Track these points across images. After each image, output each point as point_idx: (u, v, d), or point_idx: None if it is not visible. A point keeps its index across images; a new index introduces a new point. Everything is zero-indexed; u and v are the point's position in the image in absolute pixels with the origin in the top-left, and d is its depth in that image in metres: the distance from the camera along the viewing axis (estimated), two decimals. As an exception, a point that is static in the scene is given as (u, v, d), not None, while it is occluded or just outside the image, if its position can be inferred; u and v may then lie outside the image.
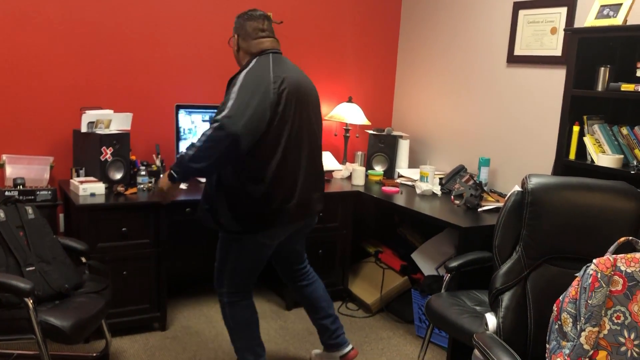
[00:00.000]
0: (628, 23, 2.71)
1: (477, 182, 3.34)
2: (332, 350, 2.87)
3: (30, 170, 3.17)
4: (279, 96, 2.36)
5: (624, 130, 2.76)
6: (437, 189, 3.56)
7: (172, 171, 2.42)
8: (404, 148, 4.04)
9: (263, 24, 2.53)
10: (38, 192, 3.02)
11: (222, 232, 2.54)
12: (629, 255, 1.76)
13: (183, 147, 3.49)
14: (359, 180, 3.72)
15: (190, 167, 2.35)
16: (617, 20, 2.70)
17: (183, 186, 3.33)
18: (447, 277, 2.71)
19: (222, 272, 2.58)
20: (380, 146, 3.99)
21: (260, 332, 2.66)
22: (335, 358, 2.87)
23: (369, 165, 4.00)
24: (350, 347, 2.87)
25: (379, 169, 3.99)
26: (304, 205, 2.52)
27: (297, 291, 2.87)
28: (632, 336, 1.72)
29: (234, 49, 2.59)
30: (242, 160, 2.35)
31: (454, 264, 2.65)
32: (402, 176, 3.95)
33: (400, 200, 3.38)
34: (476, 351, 1.92)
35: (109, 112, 3.26)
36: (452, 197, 3.35)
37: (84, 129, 3.15)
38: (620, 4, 2.72)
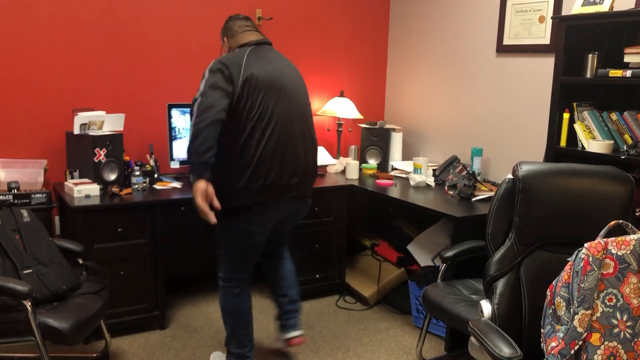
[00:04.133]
0: (614, 9, 2.73)
1: (470, 172, 3.36)
2: (280, 330, 2.91)
3: (24, 173, 3.17)
4: (243, 82, 2.41)
5: (614, 116, 2.78)
6: (430, 180, 3.58)
7: None
8: (397, 141, 4.06)
9: (247, 21, 2.67)
10: (33, 196, 3.02)
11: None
12: (619, 239, 1.79)
13: (177, 146, 3.50)
14: (353, 174, 3.74)
15: None
16: (604, 7, 2.72)
17: (178, 185, 3.34)
18: (443, 267, 2.73)
19: None
20: (373, 139, 4.00)
21: (251, 325, 2.71)
22: (280, 341, 2.92)
23: (362, 159, 4.01)
24: (296, 333, 2.86)
25: (372, 162, 4.00)
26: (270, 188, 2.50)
27: (263, 266, 2.92)
28: (625, 318, 1.74)
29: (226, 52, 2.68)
30: None
31: (449, 253, 2.67)
32: (395, 169, 3.97)
33: (394, 192, 3.40)
34: (472, 338, 1.94)
35: (101, 113, 3.26)
36: (446, 187, 3.37)
37: (76, 131, 3.15)
38: (606, -9, 2.74)
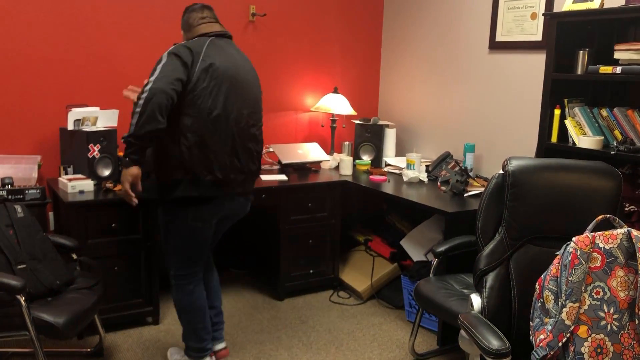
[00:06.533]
0: (605, 6, 2.76)
1: (463, 168, 3.39)
2: None
3: (18, 169, 3.17)
4: (201, 71, 2.37)
5: (604, 112, 2.81)
6: (423, 176, 3.61)
7: None
8: (390, 137, 4.08)
9: (202, 12, 2.59)
10: (27, 191, 3.03)
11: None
12: (607, 233, 1.81)
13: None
14: (346, 170, 3.76)
15: None
16: (594, 4, 2.74)
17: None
18: (435, 262, 2.76)
19: None
20: (367, 136, 4.02)
21: (207, 318, 2.70)
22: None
23: (356, 155, 4.03)
24: (222, 345, 2.86)
25: (366, 158, 4.02)
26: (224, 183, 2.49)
27: None
28: (612, 310, 1.77)
29: None
30: None
31: (440, 248, 2.70)
32: (389, 165, 3.99)
33: (388, 188, 3.42)
34: (462, 331, 1.97)
35: (95, 109, 3.27)
36: (439, 183, 3.39)
37: (70, 127, 3.15)
38: (597, -12, 2.76)
